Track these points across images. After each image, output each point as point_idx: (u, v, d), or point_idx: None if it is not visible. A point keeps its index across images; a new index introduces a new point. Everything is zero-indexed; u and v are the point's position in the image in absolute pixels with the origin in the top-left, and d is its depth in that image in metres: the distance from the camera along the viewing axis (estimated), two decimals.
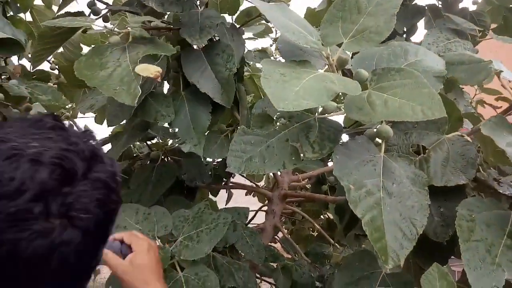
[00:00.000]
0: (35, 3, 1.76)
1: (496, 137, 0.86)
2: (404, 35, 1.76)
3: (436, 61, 1.07)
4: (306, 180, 1.97)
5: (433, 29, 1.48)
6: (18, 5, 1.62)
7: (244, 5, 1.58)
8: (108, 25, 1.15)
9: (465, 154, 0.99)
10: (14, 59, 1.79)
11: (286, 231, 2.03)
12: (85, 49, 1.86)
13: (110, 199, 0.49)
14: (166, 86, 1.51)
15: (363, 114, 0.79)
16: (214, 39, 1.33)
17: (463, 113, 1.07)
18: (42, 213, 0.44)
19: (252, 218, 1.98)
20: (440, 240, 0.97)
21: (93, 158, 0.48)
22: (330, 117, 0.94)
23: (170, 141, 1.88)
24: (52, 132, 0.48)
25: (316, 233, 2.23)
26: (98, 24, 1.11)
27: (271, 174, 2.27)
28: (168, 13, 1.35)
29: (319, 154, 0.87)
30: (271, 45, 1.98)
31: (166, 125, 1.83)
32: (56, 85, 2.06)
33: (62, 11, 1.38)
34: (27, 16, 1.76)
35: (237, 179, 2.29)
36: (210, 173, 1.81)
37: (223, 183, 1.92)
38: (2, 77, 1.63)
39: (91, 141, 0.51)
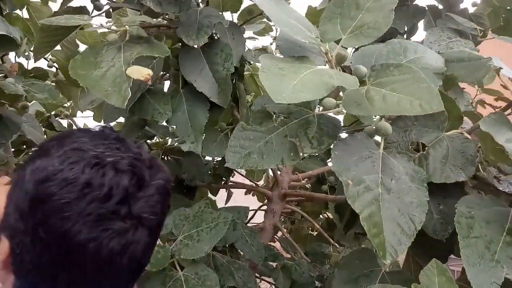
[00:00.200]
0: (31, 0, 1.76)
1: (496, 133, 0.86)
2: (405, 35, 1.76)
3: (435, 59, 1.07)
4: (306, 180, 1.96)
5: (435, 28, 1.48)
6: (14, 2, 1.62)
7: (245, 4, 1.58)
8: (106, 23, 1.14)
9: (465, 151, 0.98)
10: (11, 57, 1.79)
11: (285, 230, 2.02)
12: (82, 47, 1.86)
13: (167, 202, 0.56)
14: (166, 85, 1.52)
15: (361, 109, 0.79)
16: (215, 37, 1.33)
17: (463, 112, 1.07)
18: (126, 214, 0.50)
19: (251, 218, 1.98)
20: (439, 238, 0.96)
21: (153, 166, 0.55)
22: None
23: (170, 140, 1.89)
24: (118, 143, 0.54)
25: (316, 233, 2.22)
26: (96, 22, 1.11)
27: (271, 173, 2.27)
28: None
29: (318, 149, 0.86)
30: (271, 44, 1.98)
31: (165, 123, 1.84)
32: (53, 83, 2.05)
33: (65, 6, 1.37)
34: (24, 13, 1.76)
35: (237, 178, 2.29)
36: (209, 172, 1.81)
37: (223, 182, 1.92)
38: None
39: (144, 151, 0.57)
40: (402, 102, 0.77)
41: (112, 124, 2.24)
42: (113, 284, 0.54)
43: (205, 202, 1.33)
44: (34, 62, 1.44)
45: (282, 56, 0.94)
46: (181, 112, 1.25)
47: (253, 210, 1.97)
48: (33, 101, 1.84)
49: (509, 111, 1.14)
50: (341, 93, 1.39)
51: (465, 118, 1.09)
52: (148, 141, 1.81)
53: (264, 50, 1.57)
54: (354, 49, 1.23)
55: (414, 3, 1.74)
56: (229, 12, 1.50)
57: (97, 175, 0.49)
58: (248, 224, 1.79)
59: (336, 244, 1.82)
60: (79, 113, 2.36)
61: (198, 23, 1.23)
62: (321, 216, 2.25)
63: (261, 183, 2.43)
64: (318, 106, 0.98)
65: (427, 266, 0.79)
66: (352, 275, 1.07)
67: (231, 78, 1.28)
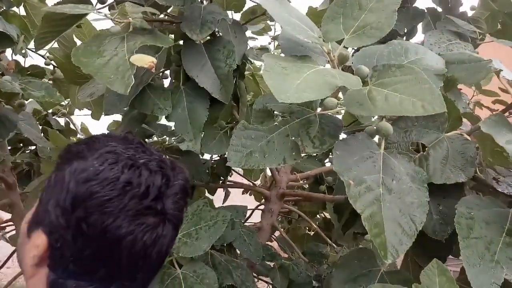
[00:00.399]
0: None
1: (496, 135, 0.86)
2: (404, 37, 1.77)
3: (436, 60, 1.07)
4: (303, 180, 1.97)
5: (435, 30, 1.49)
6: None
7: (248, 5, 1.58)
8: (110, 14, 1.13)
9: (465, 152, 0.99)
10: (8, 54, 1.78)
11: (282, 230, 2.02)
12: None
13: (188, 199, 0.62)
14: (166, 83, 1.51)
15: (363, 109, 0.79)
16: (217, 34, 1.33)
17: (462, 113, 1.07)
18: (158, 210, 0.56)
19: (249, 217, 1.98)
20: (439, 238, 0.97)
21: (175, 168, 0.60)
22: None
23: (168, 139, 1.88)
24: (142, 147, 0.60)
25: (312, 233, 2.23)
26: (99, 13, 1.10)
27: (268, 173, 2.27)
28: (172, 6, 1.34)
29: (320, 149, 0.86)
30: (269, 43, 1.99)
31: (164, 122, 1.84)
32: (51, 81, 2.04)
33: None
34: (21, 11, 1.75)
35: (234, 178, 2.29)
36: (207, 171, 1.81)
37: (221, 181, 1.91)
38: None
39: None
40: (404, 102, 0.77)
41: (108, 122, 2.25)
42: (144, 277, 0.59)
43: (204, 201, 1.33)
44: (36, 51, 1.42)
45: (283, 55, 0.95)
46: (181, 109, 1.25)
47: (250, 209, 1.97)
48: (30, 99, 1.83)
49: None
50: (340, 94, 1.40)
51: (463, 120, 1.09)
52: (147, 139, 1.80)
53: (265, 49, 1.56)
54: (353, 50, 1.23)
55: (413, 5, 1.75)
56: (228, 12, 1.50)
57: (134, 175, 0.55)
58: (245, 224, 1.79)
59: (334, 244, 1.82)
60: (76, 111, 2.35)
61: (202, 18, 1.23)
62: (318, 216, 2.25)
63: (257, 182, 2.43)
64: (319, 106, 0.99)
65: (428, 266, 0.79)
66: (351, 275, 1.08)
67: (233, 76, 1.28)
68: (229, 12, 1.45)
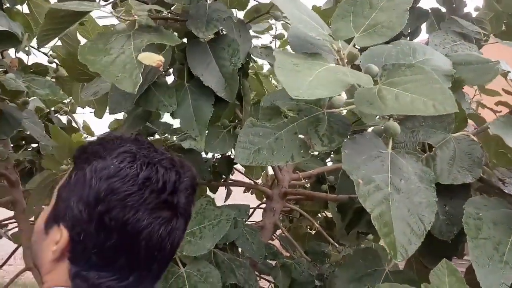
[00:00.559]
0: None
1: (505, 136, 0.86)
2: (408, 37, 1.77)
3: (443, 61, 1.07)
4: (305, 179, 1.96)
5: (439, 31, 1.49)
6: None
7: (251, 3, 1.58)
8: (115, 12, 1.13)
9: (472, 153, 0.99)
10: (11, 52, 1.76)
11: (284, 229, 2.02)
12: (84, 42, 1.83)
13: (194, 195, 0.66)
14: (169, 81, 1.50)
15: (374, 108, 0.79)
16: (221, 33, 1.32)
17: (466, 114, 1.07)
18: (173, 204, 0.60)
19: (250, 216, 1.97)
20: (445, 239, 0.96)
21: (184, 166, 0.65)
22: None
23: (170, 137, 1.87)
24: (152, 147, 0.64)
25: (314, 232, 2.22)
26: (105, 10, 1.09)
27: (270, 172, 2.27)
28: (176, 4, 1.34)
29: (328, 147, 0.86)
30: (270, 42, 1.98)
31: (166, 120, 1.83)
32: (54, 79, 2.03)
33: None
34: (24, 9, 1.74)
35: (236, 176, 2.29)
36: (209, 169, 1.80)
37: (223, 180, 1.91)
38: None
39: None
40: (415, 102, 0.77)
41: (110, 121, 2.23)
42: (159, 268, 0.63)
43: (207, 200, 1.33)
44: (38, 48, 1.41)
45: (293, 53, 0.94)
46: (186, 106, 1.25)
47: (252, 208, 1.97)
48: (33, 97, 1.82)
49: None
50: (343, 93, 1.39)
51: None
52: (149, 137, 1.80)
53: (269, 47, 1.56)
54: (358, 49, 1.23)
55: (418, 5, 1.75)
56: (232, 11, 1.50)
57: (152, 172, 0.59)
58: (247, 222, 1.79)
59: (336, 244, 1.82)
60: (78, 109, 2.34)
61: (207, 16, 1.22)
62: (319, 215, 2.25)
63: (259, 181, 2.43)
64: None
65: (437, 266, 0.79)
66: (356, 274, 1.07)
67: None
68: (233, 11, 1.45)
